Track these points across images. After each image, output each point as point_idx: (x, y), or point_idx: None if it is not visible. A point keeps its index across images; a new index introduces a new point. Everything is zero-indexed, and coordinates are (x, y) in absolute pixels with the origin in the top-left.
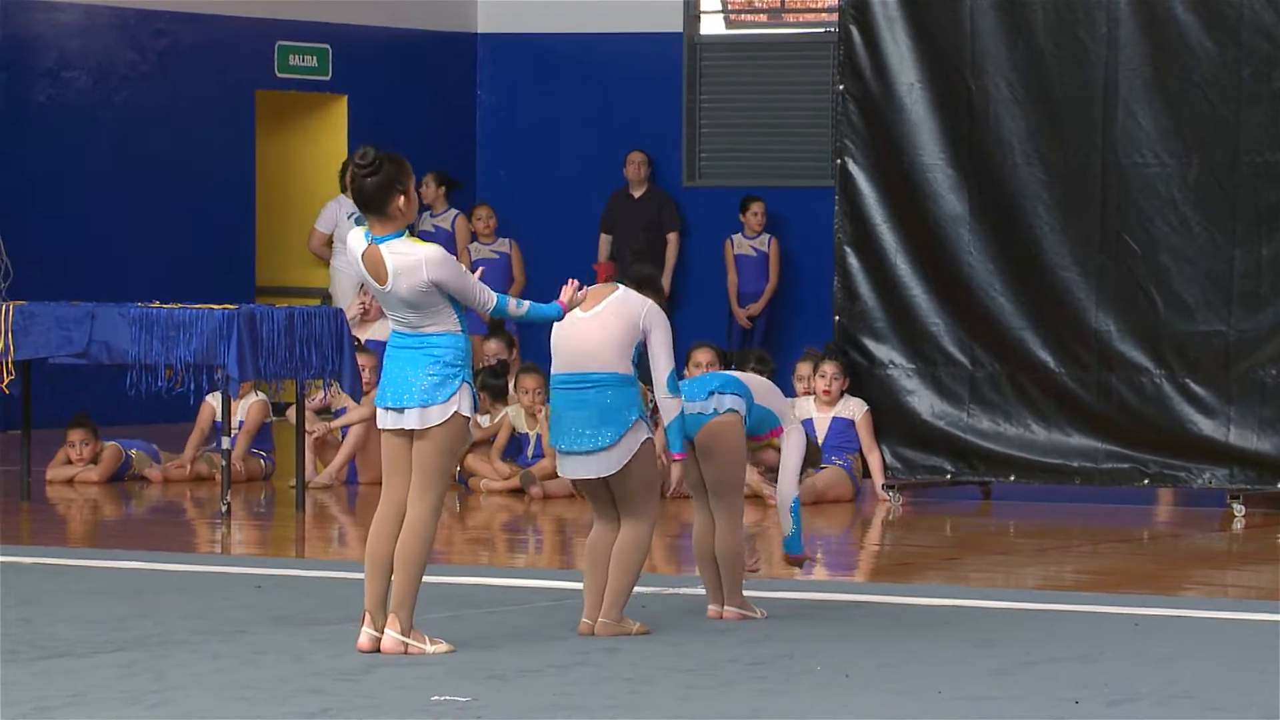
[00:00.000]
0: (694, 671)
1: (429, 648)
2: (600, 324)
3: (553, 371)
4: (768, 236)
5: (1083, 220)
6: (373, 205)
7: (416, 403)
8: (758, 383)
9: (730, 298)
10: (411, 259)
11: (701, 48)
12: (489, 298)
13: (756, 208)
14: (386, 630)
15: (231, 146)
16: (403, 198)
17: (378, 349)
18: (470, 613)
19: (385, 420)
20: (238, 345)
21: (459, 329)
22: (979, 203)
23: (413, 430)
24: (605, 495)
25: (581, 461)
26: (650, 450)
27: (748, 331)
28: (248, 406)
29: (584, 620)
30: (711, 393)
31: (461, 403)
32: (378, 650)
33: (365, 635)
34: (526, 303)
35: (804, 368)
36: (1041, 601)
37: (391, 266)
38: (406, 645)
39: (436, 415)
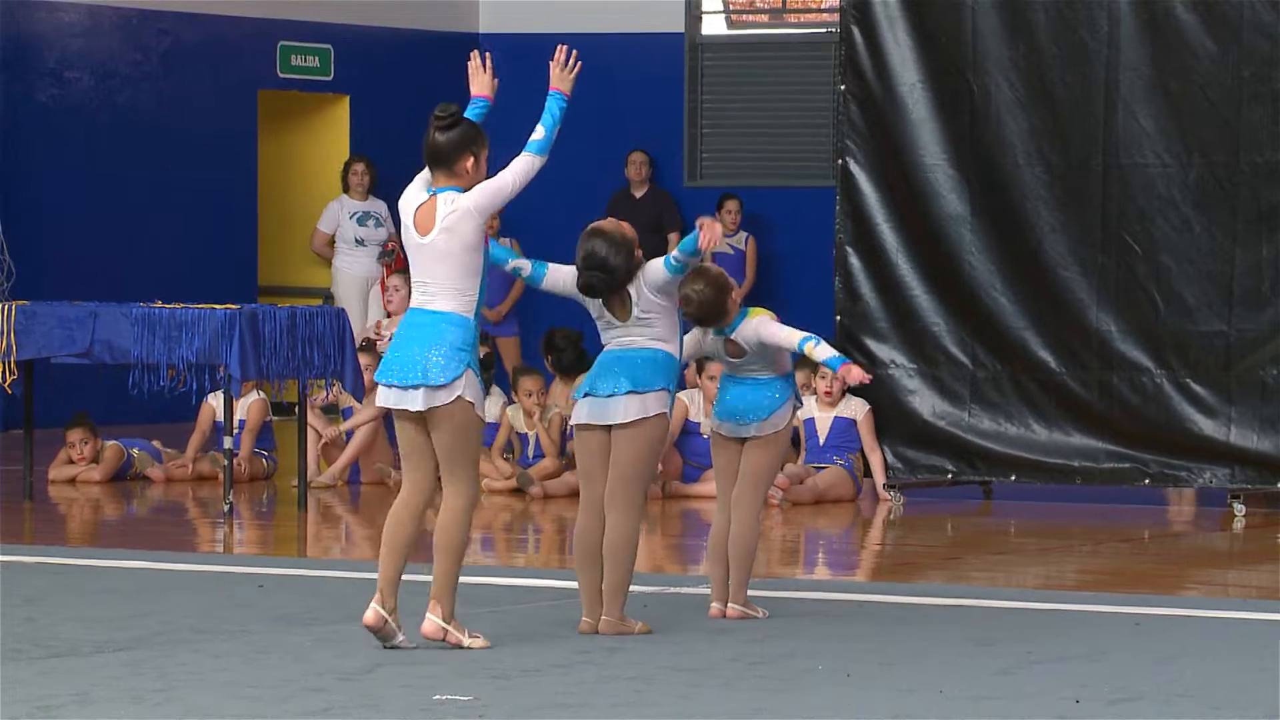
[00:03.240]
0: (696, 671)
1: (466, 640)
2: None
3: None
4: (745, 235)
5: (1083, 220)
6: (442, 161)
7: (419, 380)
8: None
9: None
10: (460, 206)
11: (703, 48)
12: (518, 168)
13: (731, 206)
14: (428, 615)
15: (234, 146)
16: (472, 160)
17: None
18: (471, 612)
19: (387, 398)
20: (240, 345)
21: (471, 314)
22: (980, 203)
23: (421, 414)
24: (601, 469)
25: (600, 405)
26: (660, 427)
27: None
28: (248, 406)
29: (584, 620)
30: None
31: (466, 388)
32: (381, 626)
33: (371, 610)
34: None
35: (798, 374)
36: (1043, 601)
37: (441, 216)
38: (446, 632)
39: (443, 396)
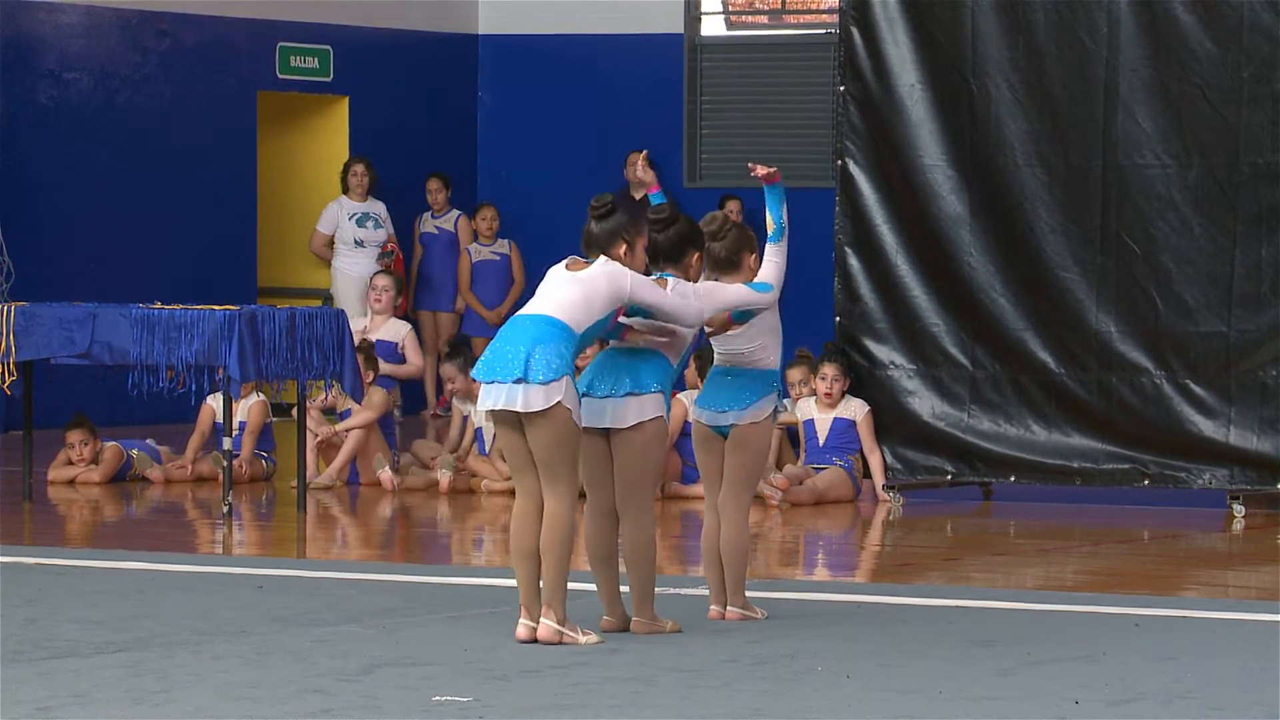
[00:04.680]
0: (695, 671)
1: (582, 639)
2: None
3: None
4: None
5: (1083, 221)
6: (596, 248)
7: (521, 374)
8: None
9: None
10: (624, 272)
11: (702, 49)
12: (690, 303)
13: (733, 206)
14: (543, 619)
15: (233, 147)
16: (625, 246)
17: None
18: (471, 613)
19: (492, 397)
20: (239, 346)
21: (577, 333)
22: (979, 203)
23: (520, 418)
24: (605, 472)
25: (597, 407)
26: (659, 429)
27: None
28: (248, 407)
29: (605, 618)
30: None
31: (566, 395)
32: (534, 640)
33: (522, 626)
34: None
35: (795, 373)
36: (1042, 602)
37: (604, 264)
38: (562, 635)
39: (541, 400)
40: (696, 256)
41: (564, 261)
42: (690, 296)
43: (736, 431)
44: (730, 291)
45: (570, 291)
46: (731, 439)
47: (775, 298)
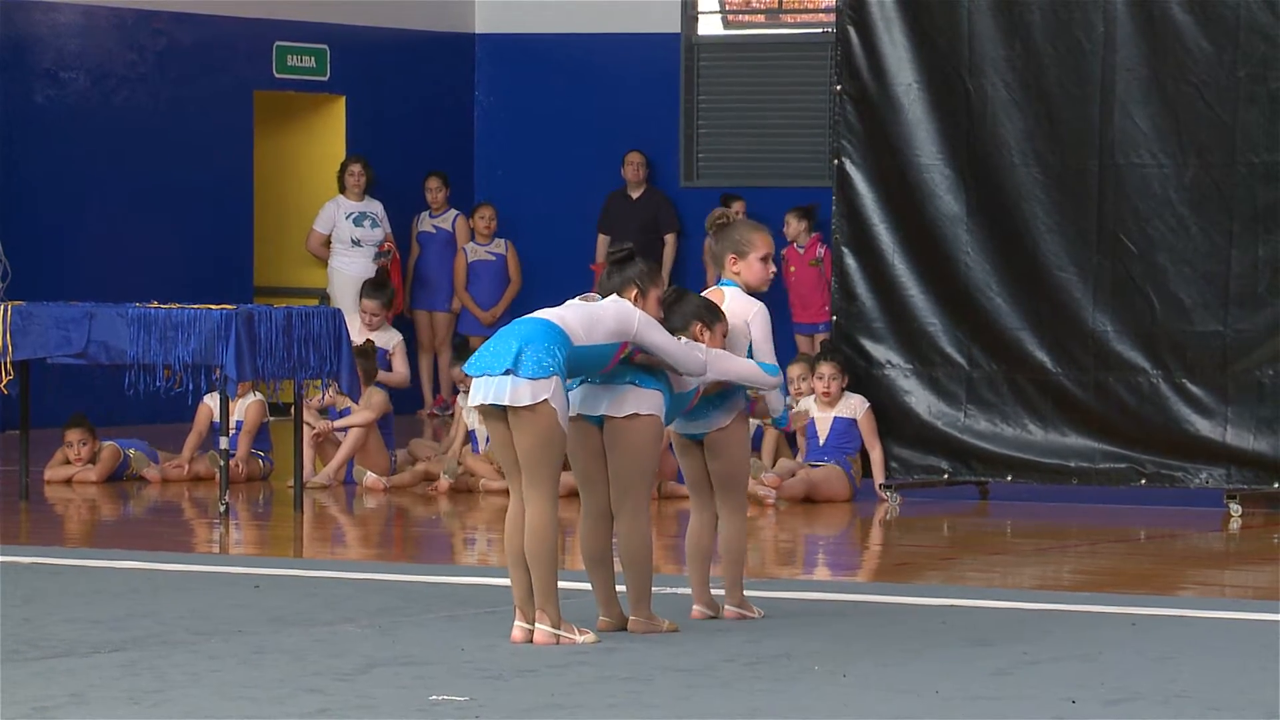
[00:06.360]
0: (692, 671)
1: (579, 638)
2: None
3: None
4: None
5: (1080, 220)
6: (608, 292)
7: (510, 365)
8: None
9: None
10: (635, 311)
11: (699, 48)
12: (684, 349)
13: (738, 206)
14: (538, 625)
15: (230, 147)
16: (636, 292)
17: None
18: (468, 612)
19: (480, 391)
20: (236, 345)
21: (575, 344)
22: (976, 203)
23: (506, 415)
24: (597, 471)
25: (594, 394)
26: (654, 428)
27: None
28: (245, 407)
29: (602, 618)
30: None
31: (554, 395)
32: (530, 642)
33: (517, 629)
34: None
35: (794, 369)
36: (1039, 601)
37: (615, 299)
38: (559, 637)
39: (527, 395)
40: (700, 327)
41: (578, 297)
42: (698, 353)
43: (709, 438)
44: (738, 365)
45: (576, 311)
46: (707, 446)
47: (779, 382)
